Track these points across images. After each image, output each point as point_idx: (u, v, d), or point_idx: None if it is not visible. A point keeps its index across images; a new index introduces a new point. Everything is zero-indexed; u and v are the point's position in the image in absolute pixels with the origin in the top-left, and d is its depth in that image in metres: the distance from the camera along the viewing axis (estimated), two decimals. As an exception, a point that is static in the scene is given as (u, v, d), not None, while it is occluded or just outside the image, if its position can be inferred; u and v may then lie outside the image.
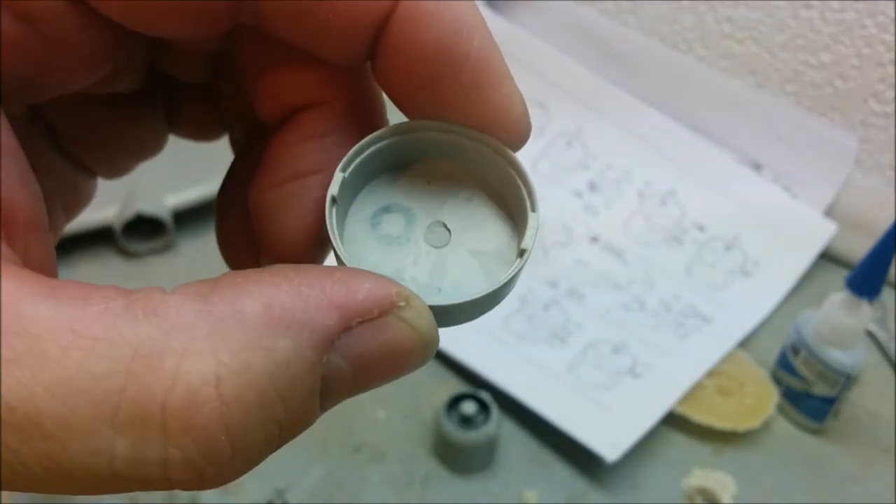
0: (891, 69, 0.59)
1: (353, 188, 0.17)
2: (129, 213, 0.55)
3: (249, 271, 0.14)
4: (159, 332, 0.12)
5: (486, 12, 0.68)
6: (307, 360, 0.13)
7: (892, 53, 0.58)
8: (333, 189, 0.16)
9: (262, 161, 0.17)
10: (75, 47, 0.15)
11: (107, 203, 0.56)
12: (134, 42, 0.17)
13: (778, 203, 0.61)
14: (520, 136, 0.16)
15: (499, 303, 0.16)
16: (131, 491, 0.13)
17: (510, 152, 0.16)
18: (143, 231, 0.57)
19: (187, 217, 0.57)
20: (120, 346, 0.12)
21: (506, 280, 0.16)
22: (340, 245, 0.16)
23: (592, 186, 0.63)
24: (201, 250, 0.57)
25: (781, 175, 0.63)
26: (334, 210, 0.16)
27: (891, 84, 0.59)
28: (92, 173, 0.21)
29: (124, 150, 0.21)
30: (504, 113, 0.16)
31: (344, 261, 0.16)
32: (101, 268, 0.56)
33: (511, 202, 0.17)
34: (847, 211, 0.61)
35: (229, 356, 0.13)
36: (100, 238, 0.56)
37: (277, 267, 0.14)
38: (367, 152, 0.16)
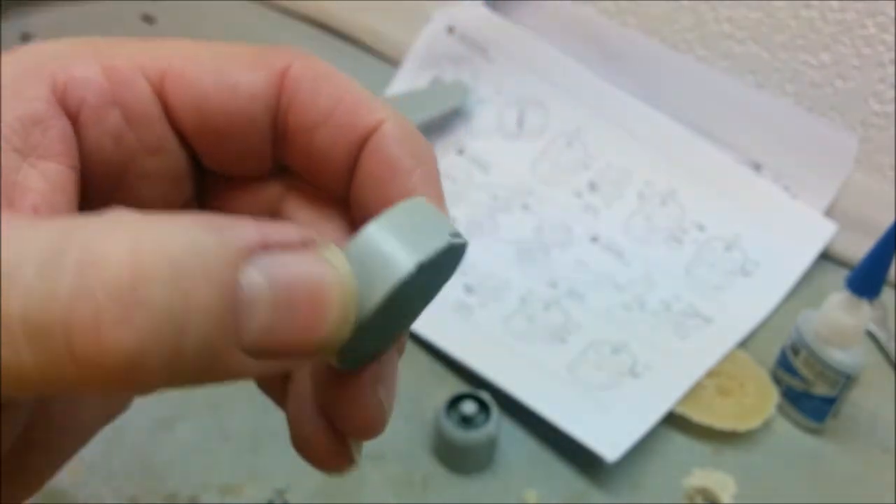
0: (891, 69, 0.59)
1: None
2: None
3: None
4: (95, 214, 0.14)
5: (486, 12, 0.68)
6: (223, 256, 0.14)
7: (892, 53, 0.58)
8: None
9: None
10: (161, 154, 0.19)
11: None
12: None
13: (778, 203, 0.61)
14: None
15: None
16: (39, 386, 0.13)
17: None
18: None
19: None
20: (59, 221, 0.13)
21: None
22: None
23: (592, 186, 0.63)
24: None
25: (781, 175, 0.63)
26: None
27: (891, 84, 0.59)
28: None
29: None
30: None
31: None
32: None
33: None
34: (847, 211, 0.61)
35: (149, 228, 0.13)
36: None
37: None
38: None
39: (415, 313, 0.20)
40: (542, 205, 0.62)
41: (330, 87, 0.19)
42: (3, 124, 0.16)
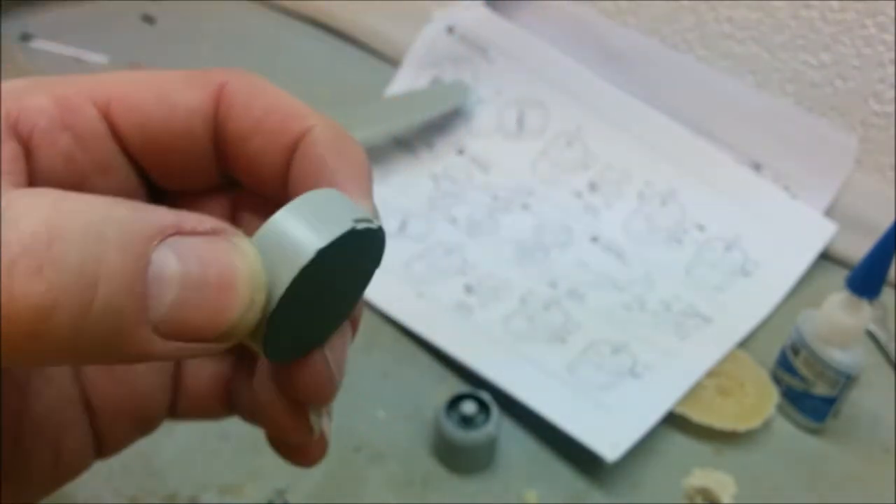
0: (891, 69, 0.59)
1: None
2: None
3: None
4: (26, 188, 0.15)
5: (486, 12, 0.68)
6: (137, 230, 0.15)
7: (892, 53, 0.58)
8: None
9: None
10: (112, 171, 0.20)
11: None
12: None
13: (778, 203, 0.61)
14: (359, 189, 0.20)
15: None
16: None
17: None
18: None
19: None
20: None
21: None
22: None
23: (592, 186, 0.63)
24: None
25: (781, 175, 0.63)
26: None
27: (891, 84, 0.59)
28: None
29: None
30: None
31: None
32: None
33: None
34: (847, 211, 0.61)
35: (71, 197, 0.14)
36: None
37: None
38: None
39: (347, 301, 0.20)
40: (542, 205, 0.62)
41: (263, 99, 0.20)
42: None
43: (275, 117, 0.20)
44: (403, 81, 0.69)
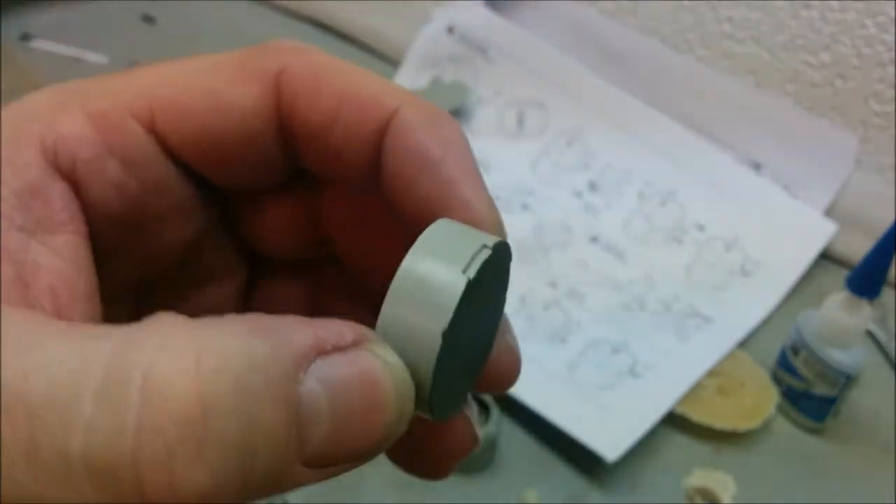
0: (891, 69, 0.59)
1: None
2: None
3: None
4: (144, 326, 0.13)
5: (486, 12, 0.68)
6: (283, 368, 0.13)
7: (892, 53, 0.58)
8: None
9: None
10: (168, 192, 0.18)
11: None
12: (214, 196, 0.19)
13: (778, 203, 0.61)
14: (489, 224, 0.18)
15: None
16: (97, 493, 0.12)
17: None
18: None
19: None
20: (107, 338, 0.13)
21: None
22: None
23: (592, 186, 0.63)
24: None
25: (781, 175, 0.63)
26: None
27: (891, 84, 0.59)
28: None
29: None
30: (473, 208, 0.18)
31: None
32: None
33: None
34: (847, 211, 0.61)
35: (207, 346, 0.13)
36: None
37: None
38: None
39: (489, 331, 0.19)
40: (542, 205, 0.62)
41: (331, 84, 0.18)
42: (3, 202, 0.15)
43: (350, 107, 0.17)
44: (403, 81, 0.69)
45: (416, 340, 0.15)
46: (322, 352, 0.14)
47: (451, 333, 0.15)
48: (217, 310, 0.21)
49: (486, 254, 0.16)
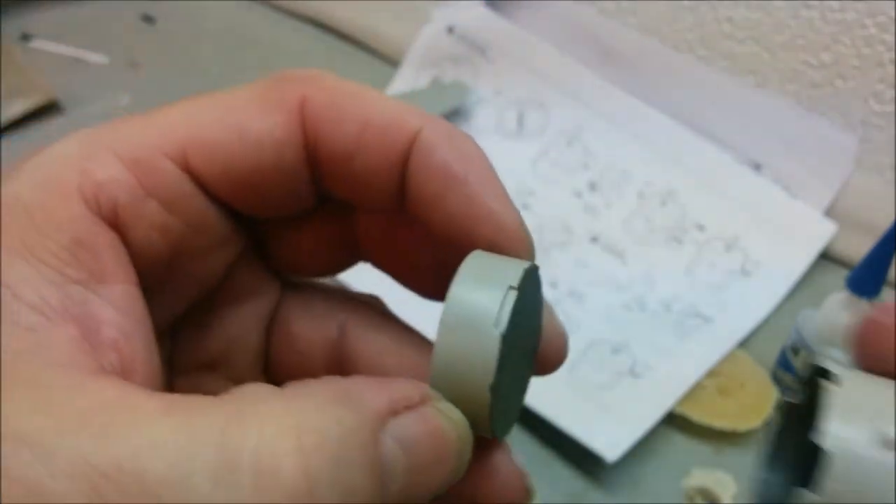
0: (891, 69, 0.59)
1: None
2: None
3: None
4: (242, 403, 0.14)
5: (486, 12, 0.68)
6: (367, 432, 0.15)
7: (892, 53, 0.58)
8: None
9: None
10: (207, 228, 0.19)
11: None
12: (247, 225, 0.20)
13: (778, 203, 0.61)
14: (514, 232, 0.18)
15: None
16: None
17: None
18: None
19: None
20: (208, 414, 0.14)
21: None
22: None
23: (592, 186, 0.63)
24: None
25: (781, 175, 0.63)
26: None
27: (891, 84, 0.59)
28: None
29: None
30: (499, 220, 0.18)
31: None
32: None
33: None
34: (847, 211, 0.61)
35: (305, 423, 0.14)
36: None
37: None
38: None
39: (534, 338, 0.20)
40: (542, 205, 0.62)
41: (352, 110, 0.18)
42: (53, 257, 0.15)
43: (372, 131, 0.18)
44: (403, 81, 0.69)
45: (469, 395, 0.17)
46: (395, 412, 0.15)
47: (498, 379, 0.17)
48: (249, 329, 0.21)
49: (513, 296, 0.17)
